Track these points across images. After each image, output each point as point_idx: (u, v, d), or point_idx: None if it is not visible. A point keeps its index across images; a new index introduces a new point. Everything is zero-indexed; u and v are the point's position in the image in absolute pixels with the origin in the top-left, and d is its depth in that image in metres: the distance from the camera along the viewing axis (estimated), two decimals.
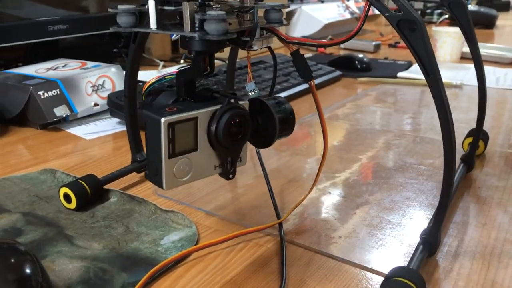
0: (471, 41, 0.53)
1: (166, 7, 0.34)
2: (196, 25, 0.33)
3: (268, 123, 0.40)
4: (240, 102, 0.38)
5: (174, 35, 0.37)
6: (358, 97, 0.94)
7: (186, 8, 0.32)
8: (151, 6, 0.33)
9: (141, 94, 0.41)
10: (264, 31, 0.39)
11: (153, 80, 0.40)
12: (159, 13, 0.34)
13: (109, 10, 0.35)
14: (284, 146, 0.67)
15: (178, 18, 0.37)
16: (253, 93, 0.48)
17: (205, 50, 0.35)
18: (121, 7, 0.34)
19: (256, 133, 0.41)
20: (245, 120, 0.38)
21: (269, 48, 0.43)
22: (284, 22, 0.39)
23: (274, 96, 0.42)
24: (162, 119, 0.33)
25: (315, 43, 0.40)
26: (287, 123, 0.41)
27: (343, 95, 0.95)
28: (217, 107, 0.36)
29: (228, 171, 0.40)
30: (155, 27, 0.34)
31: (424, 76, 0.37)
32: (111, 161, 0.62)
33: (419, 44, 0.36)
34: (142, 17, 0.36)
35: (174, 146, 0.34)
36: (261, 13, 0.39)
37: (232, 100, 0.37)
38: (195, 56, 0.36)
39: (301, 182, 0.56)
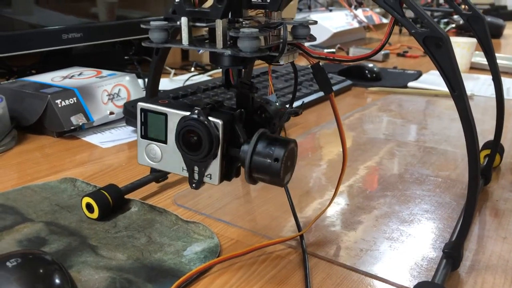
0: (489, 54, 0.53)
1: (198, 24, 0.35)
2: (228, 42, 0.34)
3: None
4: (212, 119, 0.37)
5: (202, 50, 0.38)
6: (369, 106, 0.94)
7: (219, 25, 0.33)
8: (184, 23, 0.34)
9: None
10: (289, 45, 0.40)
11: None
12: (191, 30, 0.34)
13: (142, 26, 0.35)
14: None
15: (207, 33, 0.38)
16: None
17: (235, 66, 0.36)
18: (153, 23, 0.35)
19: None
20: (203, 136, 0.37)
21: (292, 63, 0.44)
22: (308, 38, 0.40)
23: (280, 137, 0.39)
24: (138, 103, 0.40)
25: (342, 59, 0.41)
26: (263, 171, 0.38)
27: (354, 105, 0.96)
28: (186, 113, 0.38)
29: (191, 180, 0.40)
30: (187, 43, 0.35)
31: (450, 92, 0.37)
32: (128, 170, 0.63)
33: (445, 60, 0.37)
34: (173, 32, 0.36)
35: (147, 129, 0.41)
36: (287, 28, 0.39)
37: (196, 111, 0.37)
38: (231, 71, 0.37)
39: (317, 193, 0.57)
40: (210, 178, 0.39)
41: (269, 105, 0.43)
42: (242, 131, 0.39)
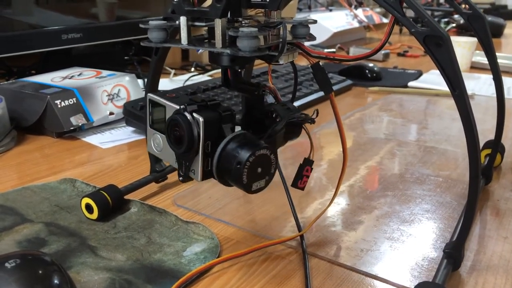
0: (490, 54, 0.53)
1: (197, 23, 0.35)
2: (227, 41, 0.33)
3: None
4: (196, 116, 0.37)
5: (201, 50, 0.37)
6: (370, 106, 0.94)
7: (219, 25, 0.32)
8: (183, 22, 0.34)
9: None
10: (289, 45, 0.39)
11: None
12: (190, 29, 0.34)
13: (141, 26, 0.35)
14: (299, 157, 0.67)
15: (206, 33, 0.37)
16: None
17: (234, 65, 0.35)
18: (152, 23, 0.35)
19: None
20: (184, 131, 0.37)
21: (292, 62, 0.43)
22: (307, 38, 0.40)
23: (254, 141, 0.38)
24: (148, 94, 0.42)
25: (342, 58, 0.40)
26: (228, 174, 0.38)
27: (355, 105, 0.96)
28: (178, 107, 0.38)
29: (179, 173, 0.40)
30: (186, 42, 0.35)
31: (450, 91, 0.37)
32: (128, 171, 0.63)
33: (445, 59, 0.37)
34: (172, 32, 0.36)
35: (153, 120, 0.42)
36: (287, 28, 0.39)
37: (183, 107, 0.38)
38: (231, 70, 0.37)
39: (317, 193, 0.57)
40: (194, 173, 0.40)
41: (284, 108, 0.42)
42: (229, 132, 0.38)
